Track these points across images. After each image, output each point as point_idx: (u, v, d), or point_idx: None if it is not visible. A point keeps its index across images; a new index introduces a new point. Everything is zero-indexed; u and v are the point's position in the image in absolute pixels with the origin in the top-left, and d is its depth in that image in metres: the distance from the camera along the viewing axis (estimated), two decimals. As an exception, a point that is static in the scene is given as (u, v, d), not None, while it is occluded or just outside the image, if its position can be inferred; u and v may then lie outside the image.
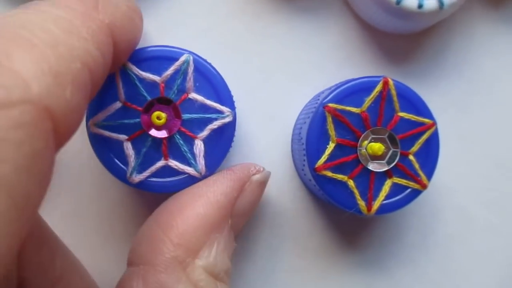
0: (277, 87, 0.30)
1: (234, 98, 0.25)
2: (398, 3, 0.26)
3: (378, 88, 0.25)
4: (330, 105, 0.25)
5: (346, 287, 0.30)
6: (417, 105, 0.25)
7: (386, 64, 0.31)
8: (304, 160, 0.26)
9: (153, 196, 0.28)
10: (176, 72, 0.24)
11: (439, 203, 0.31)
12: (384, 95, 0.25)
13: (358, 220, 0.30)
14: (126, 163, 0.24)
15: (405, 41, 0.31)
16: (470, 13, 0.31)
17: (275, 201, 0.30)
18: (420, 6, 0.27)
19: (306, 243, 0.30)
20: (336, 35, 0.30)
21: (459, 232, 0.31)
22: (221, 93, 0.25)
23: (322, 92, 0.27)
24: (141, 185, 0.24)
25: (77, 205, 0.29)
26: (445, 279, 0.31)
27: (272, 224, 0.30)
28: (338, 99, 0.25)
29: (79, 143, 0.28)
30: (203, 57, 0.25)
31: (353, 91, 0.25)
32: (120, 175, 0.24)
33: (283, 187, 0.30)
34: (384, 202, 0.25)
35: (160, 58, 0.24)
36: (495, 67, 0.31)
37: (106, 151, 0.24)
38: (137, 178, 0.24)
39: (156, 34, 0.30)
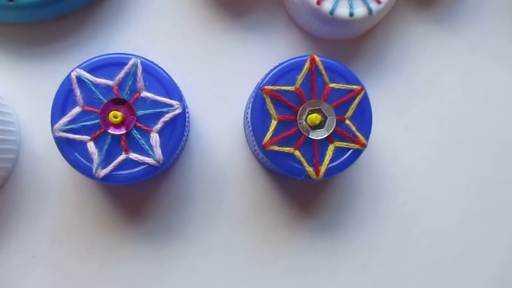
0: (229, 87, 0.33)
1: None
2: (331, 13, 0.30)
3: (307, 65, 0.28)
4: (267, 87, 0.28)
5: (308, 252, 0.32)
6: (345, 75, 0.28)
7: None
8: (254, 140, 0.28)
9: (120, 188, 0.31)
10: (127, 74, 0.27)
11: (392, 187, 0.33)
12: (313, 71, 0.28)
13: (313, 191, 0.32)
14: (91, 160, 0.27)
15: (346, 45, 0.34)
16: (404, 15, 0.34)
17: (234, 183, 0.32)
18: (351, 14, 0.30)
19: (268, 217, 0.32)
20: (282, 46, 0.33)
21: (412, 212, 0.33)
22: (169, 89, 0.28)
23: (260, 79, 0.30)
24: (107, 178, 0.27)
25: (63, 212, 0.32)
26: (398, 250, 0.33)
27: (234, 204, 0.32)
28: (273, 81, 0.28)
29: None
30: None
31: (285, 72, 0.28)
32: (87, 172, 0.27)
33: (241, 170, 0.32)
34: (330, 165, 0.28)
35: (112, 64, 0.27)
36: (430, 62, 0.34)
37: (71, 152, 0.27)
38: (102, 172, 0.27)
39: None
